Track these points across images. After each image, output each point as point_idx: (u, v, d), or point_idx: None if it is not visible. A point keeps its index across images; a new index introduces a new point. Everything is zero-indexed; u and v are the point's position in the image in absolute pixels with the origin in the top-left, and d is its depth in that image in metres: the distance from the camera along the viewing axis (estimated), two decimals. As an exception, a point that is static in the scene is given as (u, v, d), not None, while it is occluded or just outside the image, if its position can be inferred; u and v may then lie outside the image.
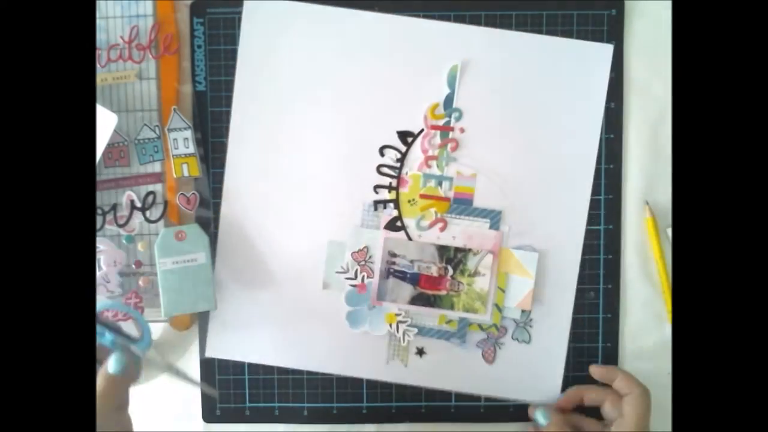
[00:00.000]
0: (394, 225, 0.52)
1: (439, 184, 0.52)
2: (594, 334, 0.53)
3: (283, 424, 0.54)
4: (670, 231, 0.52)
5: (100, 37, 0.50)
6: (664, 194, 0.52)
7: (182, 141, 0.50)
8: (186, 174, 0.51)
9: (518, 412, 0.53)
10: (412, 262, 0.52)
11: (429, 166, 0.52)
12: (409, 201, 0.52)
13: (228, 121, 0.52)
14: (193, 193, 0.51)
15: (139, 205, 0.51)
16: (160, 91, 0.51)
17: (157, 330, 0.53)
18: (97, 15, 0.50)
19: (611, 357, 0.53)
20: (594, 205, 0.52)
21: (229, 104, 0.52)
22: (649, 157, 0.52)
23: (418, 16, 0.51)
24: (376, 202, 0.52)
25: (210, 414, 0.54)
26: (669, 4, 0.51)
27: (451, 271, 0.52)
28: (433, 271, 0.52)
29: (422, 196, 0.52)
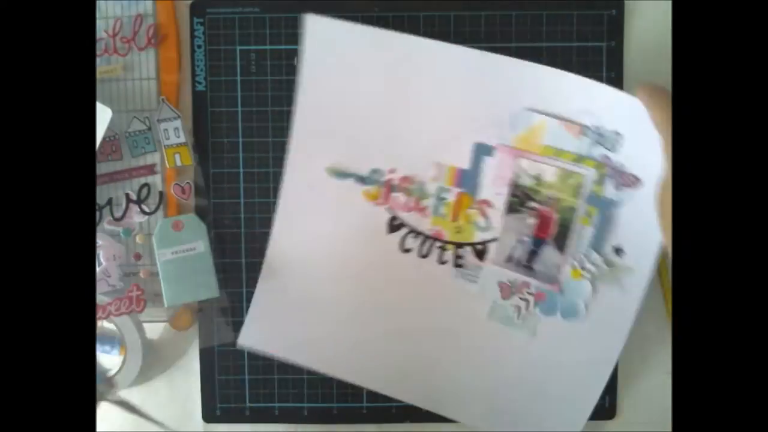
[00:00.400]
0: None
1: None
2: (594, 334, 0.53)
3: (283, 424, 0.54)
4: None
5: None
6: (664, 194, 0.52)
7: (173, 131, 0.50)
8: (179, 163, 0.51)
9: (518, 412, 0.53)
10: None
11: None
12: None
13: (228, 121, 0.52)
14: (188, 183, 0.51)
15: (134, 197, 0.51)
16: (159, 86, 0.51)
17: (157, 330, 0.53)
18: (97, 15, 0.50)
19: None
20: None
21: (229, 104, 0.52)
22: (649, 157, 0.52)
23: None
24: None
25: (210, 414, 0.54)
26: (669, 4, 0.51)
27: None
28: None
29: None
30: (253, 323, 0.52)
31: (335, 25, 0.49)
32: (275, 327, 0.53)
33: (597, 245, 0.49)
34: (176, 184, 0.51)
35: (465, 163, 0.50)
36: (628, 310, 0.49)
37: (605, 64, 0.52)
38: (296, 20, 0.51)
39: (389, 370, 0.53)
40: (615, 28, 0.52)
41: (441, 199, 0.51)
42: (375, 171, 0.51)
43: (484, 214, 0.51)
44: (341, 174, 0.51)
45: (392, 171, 0.51)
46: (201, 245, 0.50)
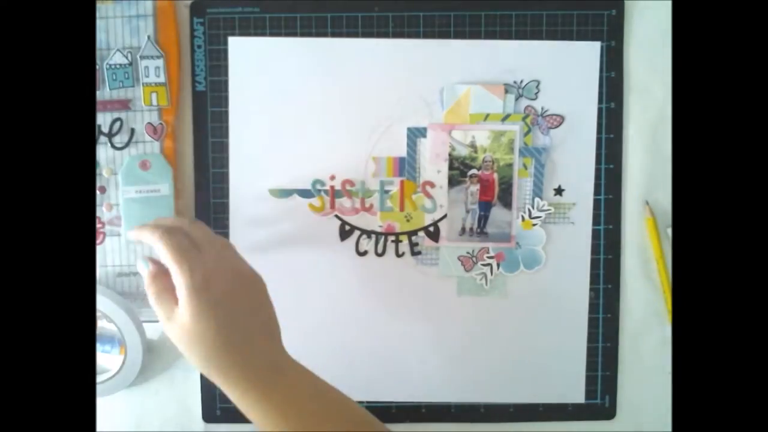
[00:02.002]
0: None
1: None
2: (594, 334, 0.53)
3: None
4: (670, 231, 0.52)
5: (100, 37, 0.50)
6: (664, 194, 0.52)
7: (153, 69, 0.50)
8: (155, 102, 0.50)
9: (519, 412, 0.53)
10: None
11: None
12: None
13: (228, 120, 0.52)
14: (161, 123, 0.51)
15: (105, 131, 0.51)
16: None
17: (157, 330, 0.53)
18: (97, 15, 0.50)
19: (611, 357, 0.53)
20: (594, 205, 0.52)
21: (229, 104, 0.52)
22: (649, 157, 0.52)
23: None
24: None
25: (210, 414, 0.54)
26: (669, 4, 0.51)
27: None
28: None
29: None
30: None
31: (256, 43, 0.51)
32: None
33: (539, 192, 0.52)
34: (149, 123, 0.51)
35: (402, 151, 0.52)
36: (582, 241, 0.53)
37: (605, 64, 0.52)
38: (296, 20, 0.51)
39: (377, 376, 0.53)
40: (615, 28, 0.52)
41: (385, 193, 0.52)
42: (316, 182, 0.52)
43: (429, 195, 0.52)
44: (284, 192, 0.52)
45: (333, 178, 0.52)
46: (166, 188, 0.50)
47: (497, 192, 0.52)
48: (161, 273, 0.42)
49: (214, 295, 0.39)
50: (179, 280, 0.39)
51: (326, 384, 0.41)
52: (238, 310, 0.40)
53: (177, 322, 0.39)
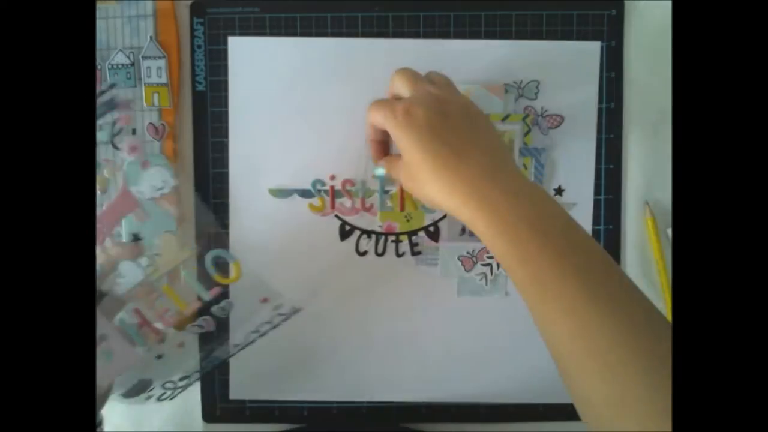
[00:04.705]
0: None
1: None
2: (594, 334, 0.53)
3: (283, 424, 0.54)
4: (670, 231, 0.52)
5: (101, 37, 0.51)
6: (664, 194, 0.52)
7: (155, 70, 0.50)
8: (156, 103, 0.50)
9: (519, 412, 0.53)
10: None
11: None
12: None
13: (228, 120, 0.52)
14: (162, 124, 0.51)
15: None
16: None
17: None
18: (98, 15, 0.50)
19: (611, 357, 0.53)
20: (594, 205, 0.52)
21: (229, 104, 0.52)
22: (649, 157, 0.52)
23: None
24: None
25: (210, 414, 0.54)
26: (669, 4, 0.51)
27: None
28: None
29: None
30: (239, 374, 0.53)
31: (256, 43, 0.51)
32: (260, 371, 0.53)
33: None
34: (150, 123, 0.51)
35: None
36: None
37: (605, 64, 0.52)
38: (296, 20, 0.51)
39: (377, 376, 0.53)
40: (615, 28, 0.52)
41: (385, 193, 0.52)
42: (316, 182, 0.52)
43: None
44: (284, 193, 0.52)
45: (333, 178, 0.52)
46: (166, 188, 0.50)
47: None
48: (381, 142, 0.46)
49: (417, 122, 0.40)
50: (385, 124, 0.41)
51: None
52: (446, 132, 0.40)
53: (401, 169, 0.42)
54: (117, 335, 0.45)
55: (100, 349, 0.44)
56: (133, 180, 0.50)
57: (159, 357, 0.50)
